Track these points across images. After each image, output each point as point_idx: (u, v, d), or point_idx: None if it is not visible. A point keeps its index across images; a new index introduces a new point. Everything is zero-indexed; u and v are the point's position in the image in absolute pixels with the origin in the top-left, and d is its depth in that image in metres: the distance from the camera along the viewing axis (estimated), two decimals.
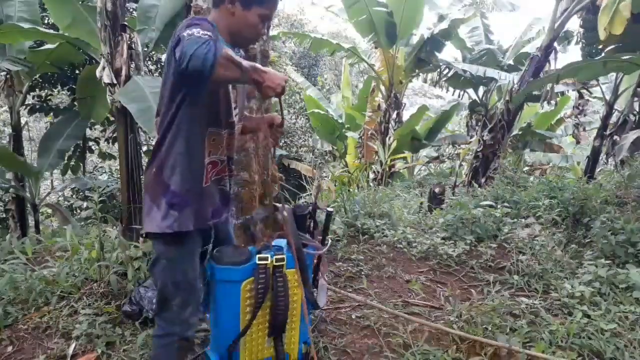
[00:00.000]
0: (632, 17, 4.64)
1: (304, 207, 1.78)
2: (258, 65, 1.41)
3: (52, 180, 8.13)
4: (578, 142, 9.09)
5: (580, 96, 7.78)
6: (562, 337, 2.20)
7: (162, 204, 1.53)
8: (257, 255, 1.57)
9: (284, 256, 1.61)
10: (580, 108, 7.97)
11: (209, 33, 1.31)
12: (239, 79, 1.42)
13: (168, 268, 1.56)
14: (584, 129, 8.94)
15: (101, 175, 8.52)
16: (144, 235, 1.62)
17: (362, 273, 3.12)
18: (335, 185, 4.87)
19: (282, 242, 1.70)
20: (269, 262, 1.57)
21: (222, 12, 1.58)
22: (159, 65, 7.18)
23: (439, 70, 8.56)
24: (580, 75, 6.50)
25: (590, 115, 10.42)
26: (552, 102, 7.41)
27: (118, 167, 4.62)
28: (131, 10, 5.71)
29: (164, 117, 1.54)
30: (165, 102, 1.53)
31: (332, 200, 4.34)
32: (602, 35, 4.91)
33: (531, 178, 5.97)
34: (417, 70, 9.04)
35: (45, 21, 6.01)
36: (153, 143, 1.71)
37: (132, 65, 3.77)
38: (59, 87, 6.71)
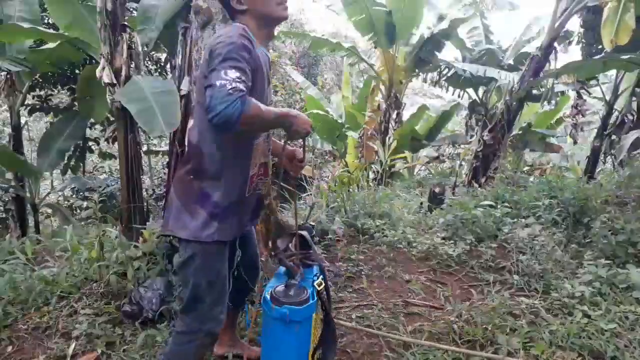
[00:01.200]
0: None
1: (310, 228, 1.89)
2: (288, 111, 1.48)
3: (52, 180, 8.12)
4: (575, 142, 9.10)
5: (579, 96, 7.78)
6: (562, 337, 2.20)
7: (201, 212, 1.53)
8: (314, 283, 1.70)
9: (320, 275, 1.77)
10: (579, 108, 7.97)
11: (243, 78, 1.34)
12: (266, 129, 1.53)
13: (202, 268, 1.57)
14: (582, 129, 8.94)
15: (101, 175, 8.52)
16: (172, 237, 1.65)
17: (362, 273, 3.12)
18: (335, 185, 4.85)
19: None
20: (322, 285, 1.72)
21: (241, 17, 1.57)
22: (159, 65, 7.18)
23: (439, 70, 8.55)
24: (580, 73, 6.50)
25: (589, 116, 10.41)
26: (552, 101, 7.40)
27: (118, 167, 4.61)
28: (131, 9, 5.71)
29: (202, 124, 1.53)
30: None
31: (326, 201, 4.33)
32: (607, 46, 4.91)
33: (531, 178, 5.96)
34: (417, 70, 9.03)
35: (45, 21, 6.01)
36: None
37: (132, 65, 3.77)
38: (59, 87, 6.70)
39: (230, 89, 1.30)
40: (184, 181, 1.57)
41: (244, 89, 1.32)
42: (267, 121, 1.42)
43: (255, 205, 1.73)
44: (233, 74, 1.33)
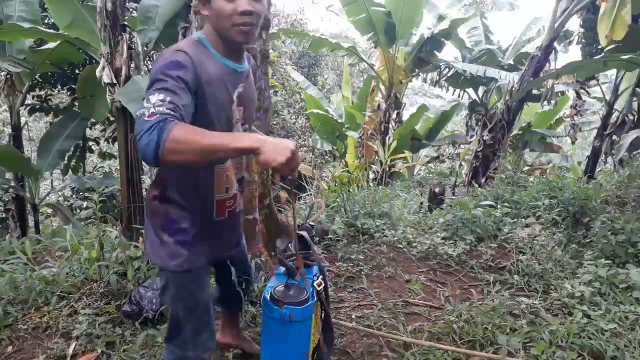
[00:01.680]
0: (632, 18, 4.66)
1: (310, 228, 1.87)
2: (249, 137, 1.17)
3: (52, 180, 8.12)
4: (573, 142, 9.10)
5: (578, 96, 7.79)
6: (562, 337, 2.20)
7: (168, 240, 1.44)
8: (314, 283, 1.69)
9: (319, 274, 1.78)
10: (577, 108, 7.98)
11: (168, 99, 1.13)
12: (212, 159, 1.20)
13: (178, 295, 1.50)
14: (580, 129, 8.95)
15: (101, 175, 8.51)
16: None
17: (362, 273, 3.12)
18: (335, 185, 4.86)
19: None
20: (322, 286, 1.73)
21: (206, 23, 1.38)
22: None
23: (438, 69, 8.57)
24: (580, 73, 6.51)
25: (589, 116, 10.41)
26: (552, 101, 7.41)
27: (118, 167, 4.61)
28: (131, 10, 5.71)
29: None
30: None
31: (326, 202, 4.33)
32: (603, 42, 4.92)
33: (531, 178, 5.97)
34: (417, 70, 9.04)
35: (46, 21, 6.01)
36: None
37: (132, 65, 3.77)
38: (59, 87, 6.70)
39: (148, 115, 1.09)
40: (152, 207, 1.49)
41: (167, 110, 1.11)
42: (207, 149, 1.10)
43: (237, 227, 1.63)
44: (155, 97, 1.13)
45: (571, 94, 8.39)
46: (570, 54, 7.73)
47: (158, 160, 1.07)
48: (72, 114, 6.02)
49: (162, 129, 1.07)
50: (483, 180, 7.09)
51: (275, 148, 1.13)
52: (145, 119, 1.09)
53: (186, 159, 1.10)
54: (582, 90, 7.57)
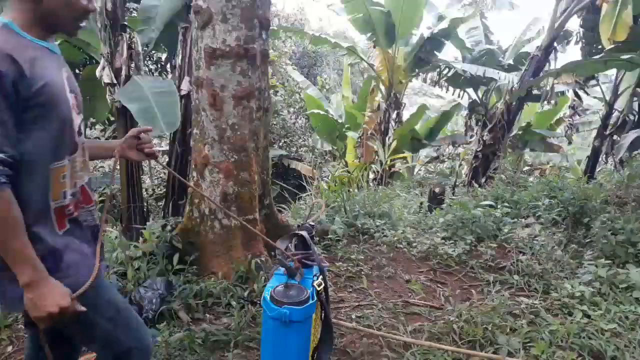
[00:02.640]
0: (633, 19, 4.67)
1: (310, 228, 1.89)
2: (40, 271, 1.06)
3: None
4: (570, 142, 9.12)
5: (577, 96, 7.79)
6: (562, 337, 2.20)
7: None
8: (314, 283, 1.70)
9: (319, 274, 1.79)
10: (575, 109, 7.99)
11: None
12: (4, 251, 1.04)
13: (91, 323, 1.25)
14: (577, 130, 8.97)
15: (100, 175, 8.51)
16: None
17: (362, 273, 3.12)
18: (335, 185, 4.87)
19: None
20: (322, 286, 1.73)
21: (15, 2, 1.12)
22: (159, 65, 7.19)
23: (438, 70, 8.57)
24: (580, 73, 6.52)
25: (589, 115, 10.43)
26: (552, 101, 7.42)
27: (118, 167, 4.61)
28: (131, 10, 5.71)
29: None
30: None
31: (324, 211, 4.32)
32: (605, 43, 4.94)
33: (531, 178, 5.98)
34: (417, 70, 9.04)
35: None
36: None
37: (132, 65, 3.78)
38: None
39: None
40: None
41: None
42: (4, 244, 1.02)
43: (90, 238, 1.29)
44: None
45: (571, 94, 8.40)
46: (569, 54, 7.76)
47: None
48: None
49: None
50: (483, 180, 7.09)
51: (43, 300, 1.05)
52: None
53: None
54: (581, 91, 7.57)
